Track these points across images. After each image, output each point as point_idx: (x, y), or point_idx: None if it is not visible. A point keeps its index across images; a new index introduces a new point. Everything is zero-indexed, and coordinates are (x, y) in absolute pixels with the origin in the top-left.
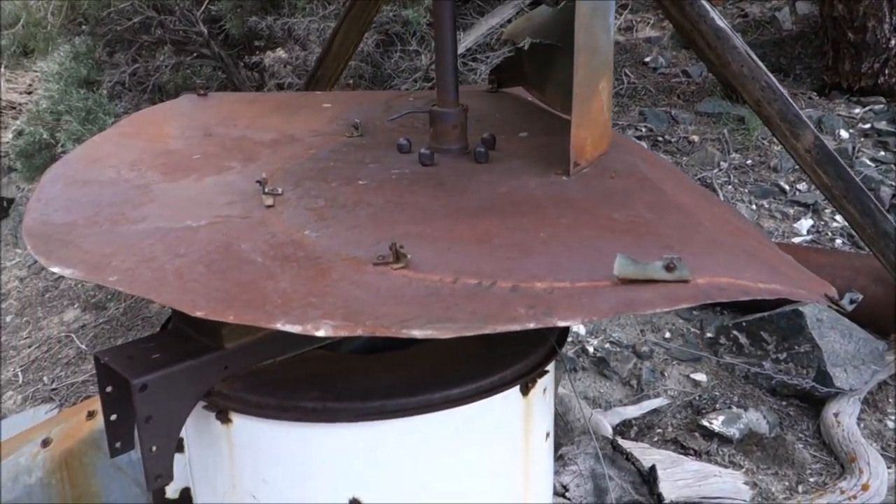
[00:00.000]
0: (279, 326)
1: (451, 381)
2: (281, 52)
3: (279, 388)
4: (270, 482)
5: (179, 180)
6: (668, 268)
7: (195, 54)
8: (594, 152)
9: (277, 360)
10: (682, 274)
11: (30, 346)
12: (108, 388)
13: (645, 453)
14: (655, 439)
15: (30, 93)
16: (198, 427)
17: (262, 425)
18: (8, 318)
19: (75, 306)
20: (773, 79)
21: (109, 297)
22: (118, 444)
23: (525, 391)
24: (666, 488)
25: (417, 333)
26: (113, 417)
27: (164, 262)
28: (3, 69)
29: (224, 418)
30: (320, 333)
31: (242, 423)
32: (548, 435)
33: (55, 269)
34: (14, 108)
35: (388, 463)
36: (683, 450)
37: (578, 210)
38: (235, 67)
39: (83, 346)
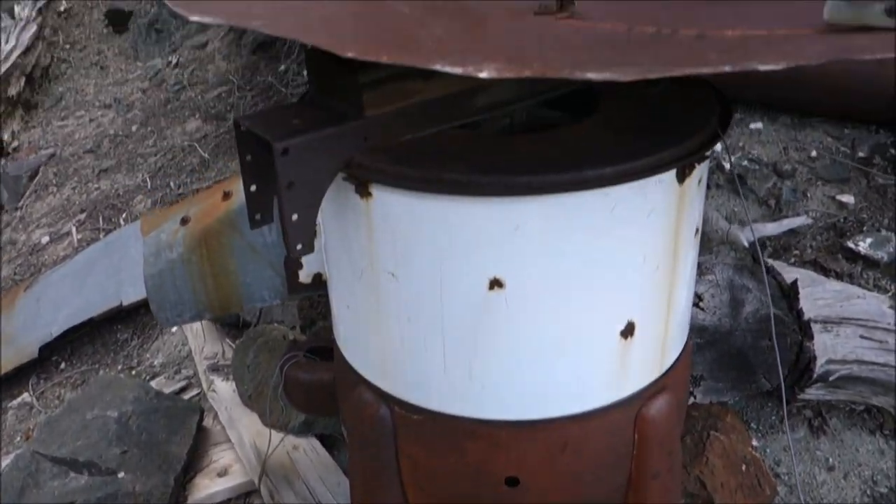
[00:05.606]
0: (438, 68)
1: (605, 160)
2: None
3: (422, 160)
4: (410, 260)
5: None
6: (890, 11)
7: None
8: None
9: (419, 136)
10: None
11: (155, 154)
12: (248, 157)
13: (783, 270)
14: (792, 261)
15: None
16: (336, 205)
17: (403, 199)
18: (133, 128)
19: (196, 117)
20: None
21: (229, 107)
22: (258, 216)
23: (681, 178)
24: (805, 306)
25: (593, 76)
26: (253, 188)
27: (307, 10)
28: None
29: (364, 192)
30: (483, 75)
31: (382, 197)
32: (697, 231)
33: (195, 19)
34: None
35: (533, 242)
36: (824, 271)
37: None
38: None
39: (206, 155)
